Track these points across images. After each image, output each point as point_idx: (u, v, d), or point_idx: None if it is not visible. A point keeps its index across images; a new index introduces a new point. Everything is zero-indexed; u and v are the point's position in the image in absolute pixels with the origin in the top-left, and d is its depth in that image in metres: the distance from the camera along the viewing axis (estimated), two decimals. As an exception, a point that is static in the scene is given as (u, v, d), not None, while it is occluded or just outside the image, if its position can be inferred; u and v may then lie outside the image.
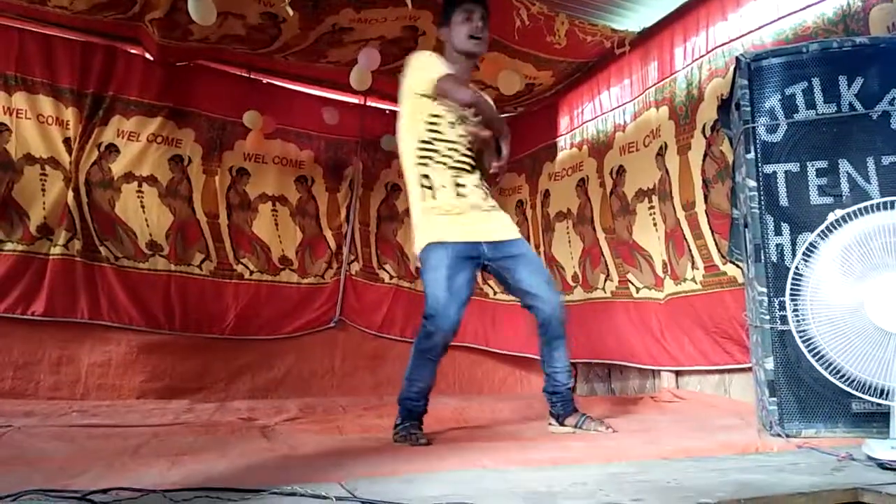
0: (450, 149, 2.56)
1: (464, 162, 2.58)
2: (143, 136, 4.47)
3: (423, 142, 2.57)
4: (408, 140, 2.60)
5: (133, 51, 4.48)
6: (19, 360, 4.06)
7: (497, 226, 2.60)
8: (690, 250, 3.63)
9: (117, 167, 4.41)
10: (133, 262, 4.43)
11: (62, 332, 4.17)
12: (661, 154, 3.85)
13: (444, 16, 2.72)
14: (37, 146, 4.19)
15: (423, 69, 2.56)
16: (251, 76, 4.79)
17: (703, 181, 3.51)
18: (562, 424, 2.67)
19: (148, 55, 4.48)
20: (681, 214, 3.66)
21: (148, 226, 4.48)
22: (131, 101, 4.45)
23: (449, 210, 2.54)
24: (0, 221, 4.07)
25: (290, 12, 3.20)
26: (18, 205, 4.14)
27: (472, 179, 2.60)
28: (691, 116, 3.61)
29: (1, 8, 3.96)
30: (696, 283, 3.63)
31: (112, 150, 4.40)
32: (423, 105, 2.56)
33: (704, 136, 3.52)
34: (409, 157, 2.60)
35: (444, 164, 2.55)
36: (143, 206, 4.47)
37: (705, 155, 3.50)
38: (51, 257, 4.17)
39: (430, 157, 2.56)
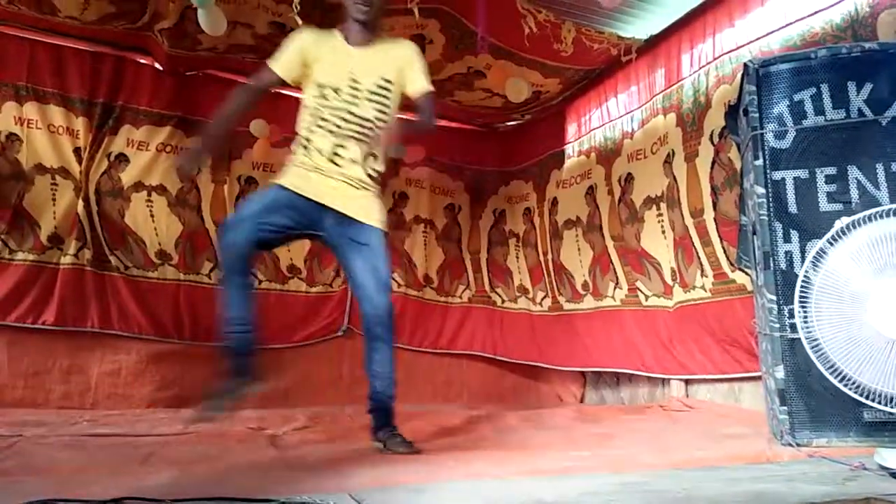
0: (333, 115, 2.45)
1: (350, 132, 2.45)
2: (152, 145, 4.50)
3: (307, 107, 2.51)
4: (301, 114, 2.54)
5: (142, 61, 4.51)
6: (30, 370, 4.08)
7: (355, 204, 2.46)
8: (699, 258, 3.61)
9: (127, 176, 4.43)
10: (142, 271, 4.45)
11: (72, 341, 4.19)
12: (668, 161, 3.84)
13: None
14: (47, 156, 4.23)
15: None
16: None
17: (712, 188, 3.50)
18: (374, 439, 2.50)
19: (157, 65, 4.52)
20: (689, 222, 3.65)
21: (157, 235, 4.51)
22: (141, 110, 4.48)
23: (316, 167, 2.45)
24: (11, 231, 4.10)
25: (299, 22, 3.22)
26: (29, 214, 4.17)
27: (355, 153, 2.45)
28: (699, 123, 3.60)
29: (12, 19, 4.00)
30: (705, 290, 3.61)
31: (122, 159, 4.43)
32: (308, 81, 2.52)
33: (712, 143, 3.51)
34: (299, 124, 2.53)
35: (326, 128, 2.45)
36: (152, 216, 4.50)
37: (713, 162, 3.50)
38: (61, 267, 4.20)
39: (314, 123, 2.47)
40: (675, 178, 3.77)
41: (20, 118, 4.17)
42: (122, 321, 4.31)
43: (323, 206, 2.43)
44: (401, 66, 2.53)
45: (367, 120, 2.47)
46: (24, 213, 4.16)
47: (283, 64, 2.53)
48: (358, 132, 2.46)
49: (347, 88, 2.46)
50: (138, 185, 4.46)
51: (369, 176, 2.50)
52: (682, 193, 3.71)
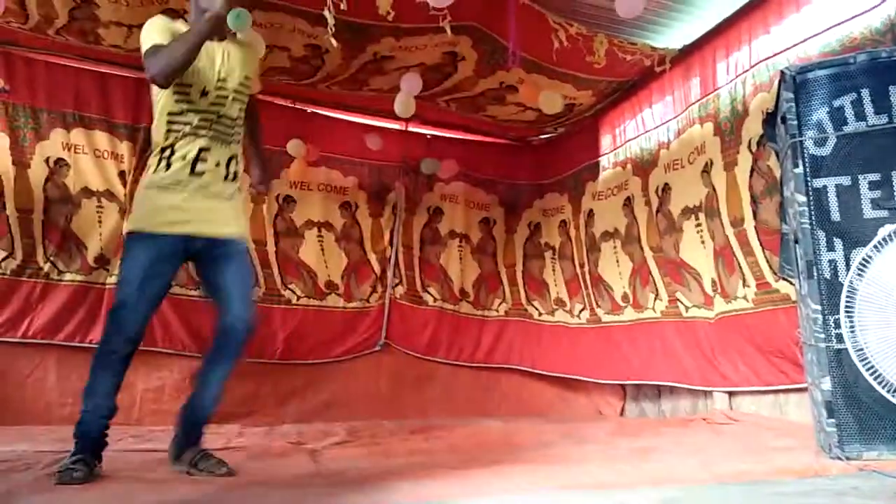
0: (201, 120, 2.34)
1: (215, 136, 2.35)
2: (193, 167, 4.60)
3: (171, 113, 2.35)
4: (158, 116, 2.38)
5: (183, 86, 4.63)
6: (78, 387, 4.08)
7: (215, 221, 2.34)
8: (741, 268, 3.55)
9: (169, 198, 4.54)
10: (184, 289, 4.54)
11: (118, 358, 4.29)
12: (706, 171, 3.80)
13: None
14: (93, 180, 4.36)
15: (144, 40, 2.35)
16: (296, 106, 4.90)
17: (752, 197, 3.44)
18: (176, 459, 2.33)
19: (197, 89, 4.63)
20: (729, 231, 3.59)
21: (198, 254, 4.59)
22: (182, 134, 4.60)
23: (175, 182, 2.30)
24: (59, 253, 4.24)
25: (334, 43, 3.28)
26: (76, 236, 4.30)
27: (219, 155, 2.36)
28: (736, 132, 3.55)
29: (60, 49, 4.16)
30: (747, 301, 3.54)
31: (164, 181, 4.54)
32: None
33: (751, 151, 3.46)
34: (158, 133, 2.37)
35: (195, 134, 2.33)
36: (193, 235, 4.58)
37: (752, 171, 3.44)
38: (107, 287, 4.31)
39: (178, 130, 2.33)
40: (713, 187, 3.72)
41: (68, 144, 4.32)
42: (165, 338, 4.40)
43: (185, 236, 2.31)
44: (255, 66, 2.49)
45: (232, 119, 2.40)
46: (72, 235, 4.29)
47: (166, 35, 2.35)
48: (224, 134, 2.38)
49: (215, 89, 2.37)
50: (180, 207, 4.55)
51: (230, 178, 2.40)
52: (721, 203, 3.65)
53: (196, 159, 2.32)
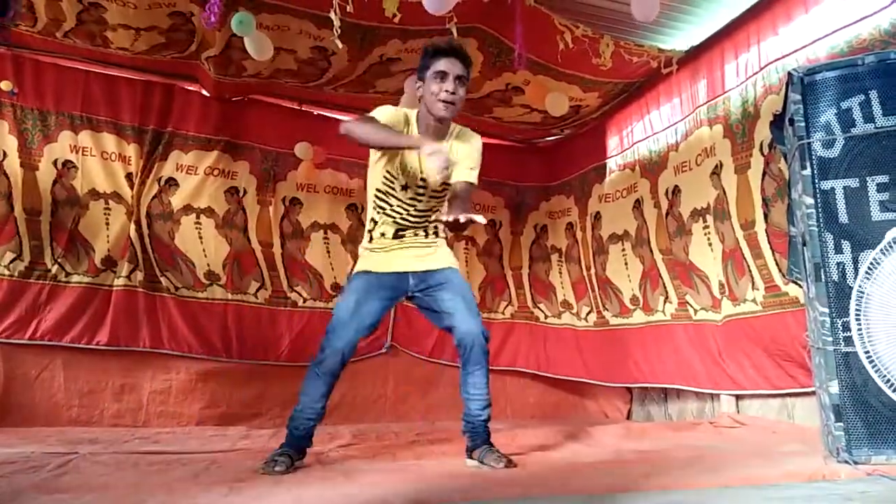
0: (399, 207, 2.58)
1: (411, 223, 2.60)
2: (200, 169, 4.63)
3: (378, 191, 2.60)
4: (370, 183, 2.64)
5: (190, 88, 4.66)
6: (84, 389, 4.21)
7: (427, 257, 2.61)
8: (750, 270, 3.54)
9: (176, 200, 4.56)
10: (192, 291, 4.56)
11: (125, 360, 4.31)
12: (716, 173, 3.78)
13: (420, 67, 2.56)
14: (101, 182, 4.39)
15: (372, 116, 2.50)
16: (302, 108, 4.92)
17: (763, 200, 3.42)
18: (469, 457, 2.56)
19: (204, 92, 4.66)
20: (740, 234, 3.57)
21: (206, 256, 4.62)
22: (189, 136, 4.62)
23: (384, 247, 2.60)
24: (67, 255, 4.26)
25: (340, 45, 3.28)
26: (84, 238, 4.33)
27: (415, 233, 2.62)
28: (748, 135, 3.53)
29: (68, 52, 4.18)
30: (756, 303, 3.53)
31: (171, 183, 4.57)
32: (379, 159, 2.57)
33: (762, 153, 3.45)
34: (369, 198, 2.66)
35: (393, 217, 2.59)
36: (200, 237, 4.61)
37: (763, 173, 3.42)
38: (114, 289, 4.33)
39: (381, 208, 2.60)
40: (723, 189, 3.70)
41: (75, 146, 4.35)
42: (172, 340, 4.42)
43: (402, 273, 2.58)
44: (459, 154, 2.55)
45: (428, 211, 2.62)
46: (79, 237, 4.32)
47: (387, 120, 2.49)
48: (418, 222, 2.62)
49: (415, 187, 2.56)
50: (187, 208, 4.58)
51: (430, 235, 2.66)
52: (731, 205, 3.63)
53: (395, 235, 2.61)
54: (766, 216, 3.41)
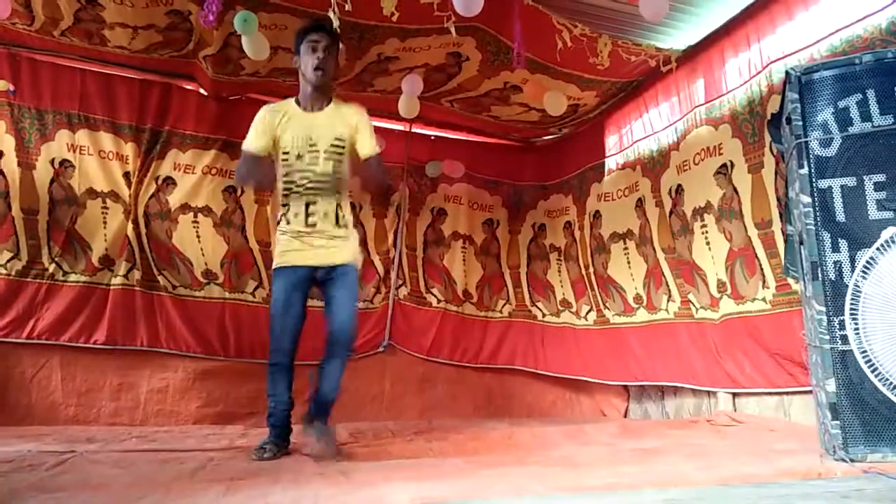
0: (302, 177, 2.80)
1: (319, 188, 2.80)
2: (198, 168, 4.62)
3: (284, 176, 2.84)
4: (278, 176, 2.88)
5: (188, 87, 4.65)
6: (82, 388, 4.20)
7: (335, 255, 2.83)
8: (762, 269, 3.53)
9: (174, 199, 4.56)
10: (189, 290, 4.56)
11: (122, 359, 4.31)
12: (721, 172, 3.76)
13: (295, 45, 2.89)
14: (98, 181, 4.38)
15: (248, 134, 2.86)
16: (301, 107, 4.91)
17: (778, 199, 3.41)
18: (308, 423, 2.81)
19: (202, 90, 4.65)
20: (753, 233, 3.56)
21: (203, 255, 4.61)
22: (187, 134, 4.62)
23: (298, 234, 2.82)
24: (64, 254, 4.26)
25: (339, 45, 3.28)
26: (81, 237, 4.32)
27: (325, 206, 2.81)
28: (759, 134, 3.52)
29: (65, 51, 4.17)
30: (765, 302, 3.52)
31: (169, 182, 4.56)
32: (276, 155, 2.86)
33: (772, 153, 3.44)
34: (278, 190, 2.90)
35: (299, 191, 2.81)
36: (198, 236, 4.61)
37: (775, 173, 3.41)
38: (112, 287, 4.33)
39: (289, 187, 2.82)
40: (735, 189, 3.67)
41: (73, 145, 4.34)
42: (169, 339, 4.41)
43: (314, 266, 2.83)
44: (351, 128, 2.87)
45: (328, 174, 2.81)
46: (77, 236, 4.31)
47: (254, 144, 2.83)
48: (324, 187, 2.81)
49: (307, 149, 2.81)
50: (185, 207, 4.58)
51: (341, 225, 2.85)
52: (744, 205, 3.61)
53: (307, 213, 2.80)
54: (781, 215, 3.40)
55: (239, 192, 4.74)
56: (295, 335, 2.83)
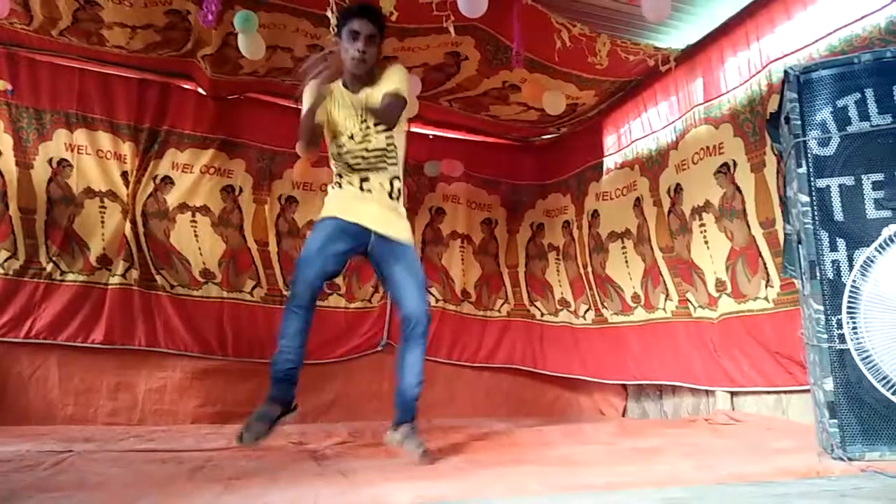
0: (356, 157, 2.71)
1: (372, 163, 2.72)
2: (196, 167, 4.62)
3: (337, 156, 2.77)
4: (330, 153, 2.81)
5: (186, 86, 4.65)
6: (80, 387, 4.20)
7: (391, 225, 2.73)
8: (766, 268, 3.53)
9: (172, 198, 4.55)
10: (187, 289, 4.56)
11: (120, 359, 4.30)
12: (722, 172, 3.76)
13: (338, 27, 2.77)
14: (96, 180, 4.37)
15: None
16: (299, 107, 4.88)
17: (780, 198, 3.41)
18: (394, 430, 2.69)
19: (200, 90, 4.65)
20: (758, 232, 3.56)
21: (201, 254, 4.61)
22: (185, 134, 4.61)
23: (353, 195, 2.73)
24: (62, 253, 4.25)
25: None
26: (79, 237, 4.31)
27: (379, 178, 2.73)
28: (760, 133, 3.52)
29: (63, 50, 4.16)
30: (768, 301, 3.52)
31: (167, 181, 4.56)
32: (328, 138, 2.79)
33: (774, 153, 3.44)
34: (332, 164, 2.83)
35: (356, 168, 2.73)
36: (196, 236, 4.60)
37: (777, 172, 3.41)
38: (109, 287, 4.32)
39: (343, 167, 2.76)
40: (738, 188, 3.67)
41: (70, 144, 4.33)
42: (167, 339, 4.41)
43: (366, 228, 2.69)
44: (391, 89, 2.70)
45: (381, 149, 2.73)
46: (75, 235, 4.31)
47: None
48: (377, 162, 2.73)
49: (359, 131, 2.71)
50: (183, 207, 4.57)
51: (395, 197, 2.77)
52: (748, 204, 3.60)
53: (360, 186, 2.72)
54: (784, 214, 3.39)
55: (237, 192, 4.74)
56: (319, 275, 2.62)
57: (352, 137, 2.71)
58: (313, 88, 2.60)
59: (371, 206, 2.71)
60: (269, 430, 2.51)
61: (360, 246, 2.72)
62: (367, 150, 2.71)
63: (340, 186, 2.76)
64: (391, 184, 2.75)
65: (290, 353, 2.61)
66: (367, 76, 2.73)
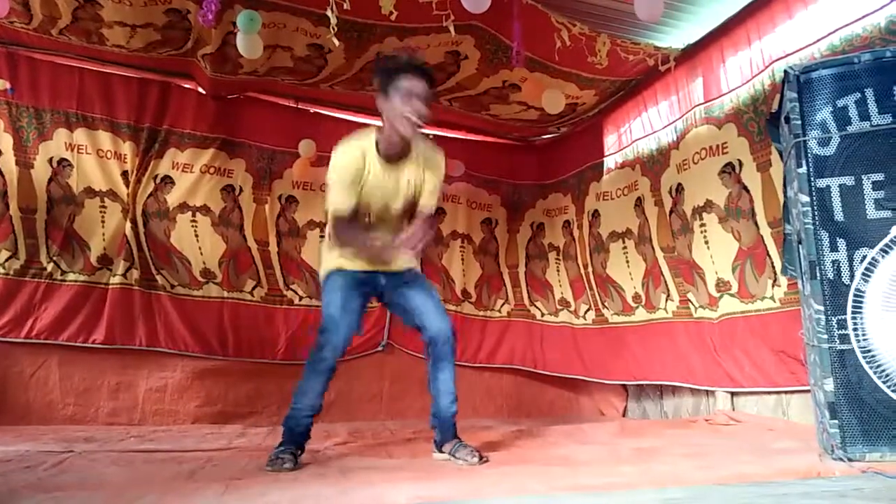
0: (371, 221, 2.66)
1: (384, 224, 2.67)
2: (196, 167, 4.62)
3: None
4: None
5: (186, 85, 4.65)
6: (80, 387, 4.20)
7: (396, 259, 2.67)
8: (773, 267, 3.52)
9: (172, 198, 4.55)
10: (188, 289, 4.56)
11: (121, 359, 4.31)
12: (727, 171, 3.75)
13: (383, 83, 2.52)
14: (97, 179, 4.38)
15: (330, 181, 2.58)
16: (299, 106, 4.90)
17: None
18: (439, 451, 2.66)
19: (200, 89, 4.65)
20: (766, 231, 3.54)
21: (202, 254, 4.61)
22: (185, 133, 4.61)
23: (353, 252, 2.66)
24: (63, 253, 4.25)
25: (336, 42, 3.28)
26: (80, 236, 4.32)
27: (386, 237, 2.63)
28: (764, 133, 3.52)
29: (63, 49, 4.16)
30: (774, 300, 3.51)
31: (167, 181, 4.56)
32: None
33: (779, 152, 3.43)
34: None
35: (365, 227, 2.65)
36: (196, 235, 4.60)
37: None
38: (110, 287, 4.33)
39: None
40: (745, 188, 3.65)
41: (71, 144, 4.33)
42: (168, 339, 4.41)
43: (373, 271, 2.67)
44: (425, 179, 2.67)
45: (397, 213, 2.69)
46: (75, 235, 4.31)
47: (348, 203, 2.57)
48: (387, 223, 2.69)
49: (382, 205, 2.64)
50: (183, 206, 4.57)
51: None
52: (756, 203, 3.58)
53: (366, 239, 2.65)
54: None
55: (237, 192, 4.74)
56: (347, 338, 2.57)
57: (378, 217, 2.65)
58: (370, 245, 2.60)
59: (374, 252, 2.65)
60: (296, 462, 2.48)
61: (373, 290, 2.72)
62: (383, 215, 2.67)
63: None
64: (393, 239, 2.66)
65: (311, 411, 2.59)
66: (407, 145, 2.60)
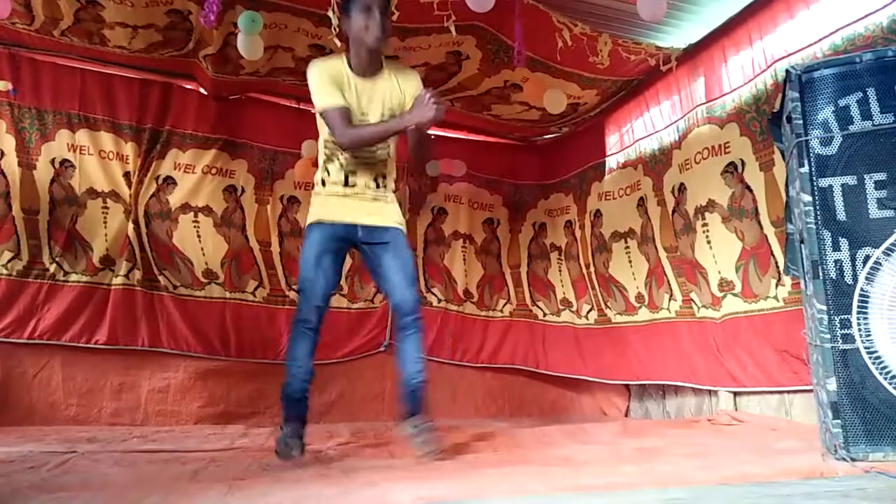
0: (347, 154, 2.68)
1: (362, 161, 2.70)
2: (198, 167, 4.62)
3: (326, 141, 2.71)
4: (321, 133, 2.74)
5: (188, 86, 4.65)
6: (83, 388, 4.21)
7: (376, 214, 2.71)
8: (777, 267, 3.52)
9: (174, 198, 4.56)
10: (190, 290, 4.56)
11: (123, 359, 4.31)
12: (729, 171, 3.75)
13: (343, 6, 2.68)
14: (99, 180, 4.38)
15: (313, 92, 2.63)
16: (300, 107, 4.90)
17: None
18: (404, 421, 2.69)
19: (202, 90, 4.65)
20: (769, 231, 3.54)
21: (204, 255, 4.61)
22: (187, 134, 4.62)
23: (335, 193, 2.70)
24: (65, 254, 4.26)
25: (338, 43, 3.28)
26: (82, 237, 4.32)
27: (365, 178, 2.71)
28: (768, 132, 3.52)
29: (65, 50, 4.17)
30: (777, 300, 3.51)
31: (169, 182, 4.56)
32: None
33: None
34: (320, 148, 2.77)
35: (342, 164, 2.69)
36: (199, 236, 4.61)
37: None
38: (113, 287, 4.33)
39: (330, 154, 2.71)
40: (748, 187, 3.65)
41: (73, 145, 4.34)
42: (170, 339, 4.42)
43: (352, 223, 2.69)
44: (409, 97, 2.67)
45: (375, 151, 2.70)
46: (77, 235, 4.32)
47: (338, 98, 2.60)
48: (366, 161, 2.71)
49: (358, 122, 2.64)
50: (185, 207, 4.58)
51: (380, 187, 2.75)
52: (759, 203, 3.59)
53: (345, 182, 2.70)
54: None
55: (239, 192, 4.74)
56: (324, 295, 2.65)
57: (358, 123, 2.65)
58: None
59: (353, 202, 2.69)
60: (303, 447, 2.57)
61: (349, 244, 2.74)
62: (366, 164, 2.71)
63: (324, 185, 2.73)
64: (375, 181, 2.73)
65: (304, 374, 2.65)
66: (376, 59, 2.67)
